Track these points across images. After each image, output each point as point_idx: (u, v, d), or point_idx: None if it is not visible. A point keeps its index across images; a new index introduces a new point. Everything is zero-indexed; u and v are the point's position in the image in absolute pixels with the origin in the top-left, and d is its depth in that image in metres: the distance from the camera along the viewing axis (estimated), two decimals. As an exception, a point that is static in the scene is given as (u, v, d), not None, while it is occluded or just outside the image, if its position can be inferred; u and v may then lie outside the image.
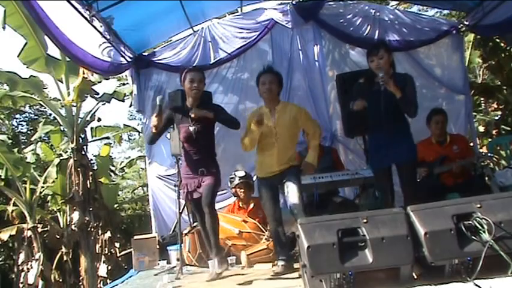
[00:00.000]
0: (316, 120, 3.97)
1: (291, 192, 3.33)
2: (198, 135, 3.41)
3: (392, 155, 3.33)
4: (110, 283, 5.39)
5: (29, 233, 8.49)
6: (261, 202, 3.53)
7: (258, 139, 3.41)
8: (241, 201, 4.54)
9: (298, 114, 3.46)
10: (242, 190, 4.50)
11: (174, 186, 4.14)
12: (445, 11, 7.78)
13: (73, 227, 7.50)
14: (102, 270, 7.62)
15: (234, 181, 4.52)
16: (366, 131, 3.90)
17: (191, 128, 3.40)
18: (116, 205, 12.03)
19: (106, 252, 7.82)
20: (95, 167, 8.89)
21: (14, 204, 9.01)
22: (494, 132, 8.82)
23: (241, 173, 4.59)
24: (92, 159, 8.67)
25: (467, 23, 5.70)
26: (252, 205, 4.48)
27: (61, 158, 8.84)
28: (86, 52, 4.39)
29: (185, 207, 4.20)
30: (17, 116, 14.00)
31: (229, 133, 5.64)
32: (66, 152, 9.14)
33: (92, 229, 7.56)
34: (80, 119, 7.85)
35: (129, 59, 5.29)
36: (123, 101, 7.91)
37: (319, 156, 4.68)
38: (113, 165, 13.17)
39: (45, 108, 12.34)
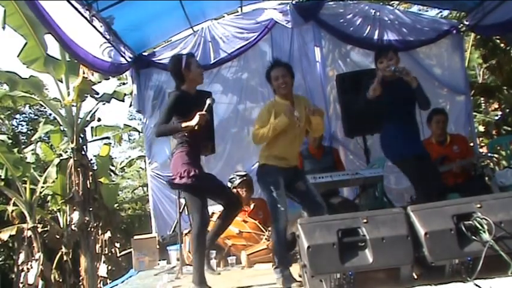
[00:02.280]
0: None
1: (317, 193, 3.23)
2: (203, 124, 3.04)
3: (414, 145, 3.34)
4: (110, 283, 5.40)
5: (29, 233, 8.49)
6: (276, 192, 3.11)
7: (281, 131, 3.15)
8: (241, 201, 4.52)
9: (305, 102, 3.30)
10: (243, 190, 4.49)
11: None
12: (445, 11, 7.77)
13: (73, 227, 7.50)
14: (102, 270, 7.62)
15: (235, 181, 4.50)
16: (377, 126, 3.68)
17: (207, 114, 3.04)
18: (116, 205, 12.05)
19: (106, 252, 7.82)
20: (95, 167, 8.89)
21: (14, 204, 9.01)
22: (494, 132, 8.82)
23: (242, 173, 4.59)
24: (92, 159, 8.67)
25: (467, 23, 5.70)
26: (252, 206, 4.47)
27: (61, 158, 8.84)
28: (87, 52, 4.40)
29: (185, 207, 4.19)
30: (17, 116, 14.01)
31: (229, 133, 5.68)
32: (66, 152, 9.15)
33: (92, 229, 7.56)
34: (80, 119, 7.85)
35: (129, 59, 5.30)
36: (123, 101, 7.90)
37: (319, 156, 4.72)
38: (113, 165, 13.17)
39: (45, 108, 12.35)
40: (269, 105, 3.32)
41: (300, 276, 2.75)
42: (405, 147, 3.31)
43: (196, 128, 2.93)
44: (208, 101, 3.05)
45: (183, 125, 2.96)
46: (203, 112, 2.95)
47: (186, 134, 3.06)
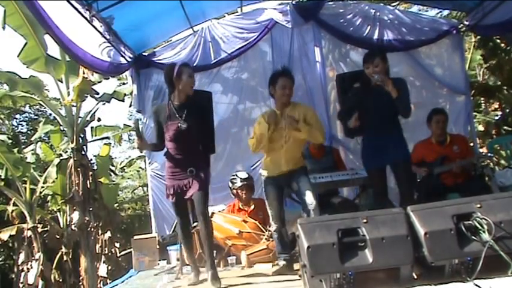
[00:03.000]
0: (321, 123, 3.94)
1: (307, 192, 3.31)
2: (189, 131, 3.23)
3: (388, 155, 3.42)
4: (110, 283, 5.39)
5: (29, 233, 8.48)
6: (267, 201, 3.49)
7: (269, 140, 3.38)
8: (241, 202, 4.52)
9: (305, 112, 3.46)
10: (244, 192, 4.48)
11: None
12: (445, 11, 7.77)
13: (73, 227, 7.49)
14: (102, 270, 7.62)
15: (236, 183, 4.49)
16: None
17: (182, 125, 3.22)
18: (116, 205, 12.04)
19: (106, 252, 7.82)
20: (95, 167, 8.88)
21: (14, 204, 9.01)
22: (494, 132, 8.82)
23: (244, 175, 4.56)
24: (92, 159, 8.65)
25: (467, 23, 5.70)
26: (252, 206, 4.47)
27: (61, 158, 8.83)
28: (85, 52, 4.39)
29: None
30: (17, 116, 14.00)
31: (229, 133, 5.68)
32: (66, 152, 9.14)
33: (92, 229, 7.56)
34: (80, 119, 7.84)
35: (129, 59, 5.29)
36: (123, 101, 7.90)
37: (319, 156, 4.72)
38: (113, 165, 13.17)
39: (45, 108, 12.34)
40: (264, 115, 3.49)
41: (300, 276, 2.74)
42: (373, 162, 3.51)
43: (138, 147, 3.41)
44: (132, 123, 3.36)
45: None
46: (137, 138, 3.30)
47: (168, 148, 3.31)
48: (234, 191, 4.53)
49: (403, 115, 3.49)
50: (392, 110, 3.42)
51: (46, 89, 8.48)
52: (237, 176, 4.54)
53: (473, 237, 2.18)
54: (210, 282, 3.08)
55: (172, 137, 3.25)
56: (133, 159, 14.29)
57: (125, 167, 14.52)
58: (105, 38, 4.64)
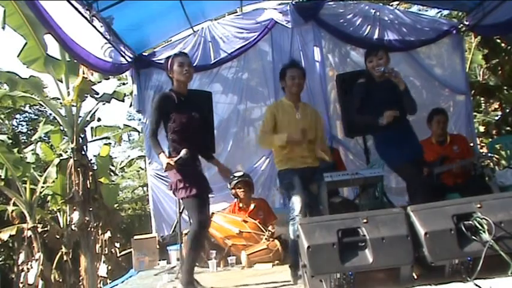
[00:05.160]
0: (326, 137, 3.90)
1: (324, 201, 3.29)
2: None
3: (411, 149, 3.36)
4: (110, 283, 5.40)
5: (29, 233, 8.50)
6: (291, 192, 3.17)
7: (283, 131, 3.25)
8: (241, 202, 4.53)
9: (318, 119, 3.41)
10: (242, 190, 4.49)
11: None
12: (445, 11, 7.77)
13: (73, 227, 7.51)
14: (102, 270, 7.63)
15: (233, 182, 4.51)
16: (369, 130, 3.80)
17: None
18: (116, 205, 12.05)
19: (106, 252, 7.83)
20: (95, 167, 8.88)
21: (14, 204, 9.02)
22: (494, 132, 8.81)
23: (239, 173, 4.60)
24: (92, 159, 8.66)
25: (467, 23, 5.70)
26: (252, 206, 4.47)
27: (61, 158, 8.84)
28: (89, 52, 4.40)
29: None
30: (17, 116, 14.00)
31: (229, 133, 5.68)
32: (66, 152, 9.15)
33: (92, 229, 7.56)
34: (79, 119, 7.85)
35: (129, 59, 5.29)
36: (123, 101, 7.91)
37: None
38: (113, 165, 13.17)
39: (45, 108, 12.34)
40: (272, 107, 3.41)
41: (300, 276, 2.75)
42: (398, 154, 3.34)
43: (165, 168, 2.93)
44: (181, 154, 2.92)
45: (160, 157, 2.97)
46: (171, 162, 2.88)
47: (174, 140, 3.05)
48: (233, 190, 4.54)
49: (409, 110, 3.37)
50: (401, 105, 3.30)
51: (46, 89, 8.49)
52: (233, 175, 4.55)
53: (473, 237, 2.17)
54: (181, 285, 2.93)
55: (181, 127, 3.03)
56: (133, 159, 14.30)
57: (124, 167, 14.53)
58: (105, 38, 4.64)
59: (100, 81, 7.64)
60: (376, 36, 5.61)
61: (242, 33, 5.65)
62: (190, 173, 2.99)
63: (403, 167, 3.39)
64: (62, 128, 9.09)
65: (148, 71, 5.65)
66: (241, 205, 4.52)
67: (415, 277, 2.30)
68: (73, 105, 7.80)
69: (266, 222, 4.33)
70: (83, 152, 7.69)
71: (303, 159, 3.24)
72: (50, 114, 12.57)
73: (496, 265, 2.12)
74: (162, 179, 5.52)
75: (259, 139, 3.45)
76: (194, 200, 2.94)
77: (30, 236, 8.49)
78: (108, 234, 7.93)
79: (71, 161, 7.56)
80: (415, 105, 3.38)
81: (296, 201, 3.08)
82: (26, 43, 6.64)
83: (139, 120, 9.58)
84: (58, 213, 9.77)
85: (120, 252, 9.00)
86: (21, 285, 8.23)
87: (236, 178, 4.49)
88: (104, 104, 7.83)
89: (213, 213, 4.05)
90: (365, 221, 2.26)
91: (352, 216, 2.34)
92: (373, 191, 4.45)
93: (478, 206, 2.25)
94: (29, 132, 13.98)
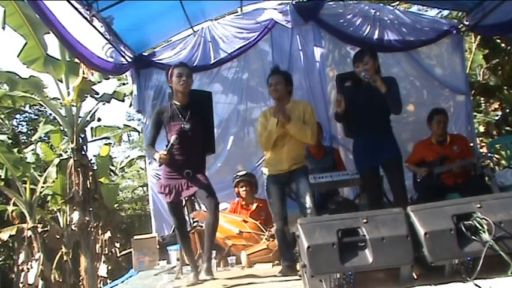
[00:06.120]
0: (318, 124, 3.95)
1: (305, 195, 3.33)
2: (191, 133, 3.27)
3: (379, 155, 3.45)
4: (110, 283, 5.40)
5: (29, 233, 8.50)
6: (269, 200, 3.49)
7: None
8: (244, 201, 4.54)
9: (305, 108, 3.48)
10: (244, 189, 4.50)
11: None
12: (445, 11, 7.77)
13: (73, 227, 7.50)
14: (102, 270, 7.63)
15: (235, 180, 4.54)
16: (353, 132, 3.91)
17: (185, 126, 3.26)
18: (116, 205, 12.05)
19: (106, 252, 7.83)
20: (95, 167, 8.89)
21: (14, 204, 9.02)
22: (494, 132, 8.81)
23: (242, 172, 4.64)
24: (92, 159, 8.67)
25: (467, 23, 5.69)
26: (254, 206, 4.48)
27: (61, 158, 8.85)
28: (92, 52, 4.41)
29: (185, 207, 4.18)
30: (17, 116, 14.01)
31: (229, 133, 5.68)
32: (66, 152, 9.15)
33: (92, 229, 7.57)
34: (80, 119, 7.85)
35: (129, 59, 5.29)
36: (123, 101, 7.91)
37: (319, 156, 4.71)
38: (113, 165, 13.18)
39: (45, 108, 12.36)
40: (261, 116, 3.60)
41: (300, 276, 2.74)
42: (366, 161, 3.53)
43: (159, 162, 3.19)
44: (172, 141, 3.18)
45: (154, 156, 3.23)
46: (165, 153, 3.13)
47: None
48: (236, 189, 4.56)
49: (393, 111, 3.49)
50: (382, 109, 3.44)
51: (46, 89, 8.47)
52: (236, 174, 4.59)
53: (473, 237, 2.17)
54: (204, 273, 3.12)
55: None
56: (133, 159, 14.31)
57: (124, 167, 14.54)
58: (105, 38, 4.64)
59: (100, 81, 7.64)
60: (376, 36, 5.60)
61: (242, 33, 5.64)
62: (173, 180, 3.31)
63: (365, 174, 3.61)
64: (62, 128, 9.10)
65: (148, 71, 5.64)
66: (243, 203, 4.54)
67: (415, 277, 2.29)
68: (73, 105, 7.81)
69: (267, 223, 4.32)
70: (83, 152, 7.69)
71: (280, 164, 3.42)
72: (50, 114, 12.59)
73: (496, 265, 2.11)
74: (162, 179, 5.52)
75: (261, 145, 3.56)
76: (169, 206, 3.43)
77: (30, 236, 8.49)
78: (108, 234, 7.93)
79: (71, 161, 7.57)
80: (400, 106, 3.49)
81: (272, 212, 3.47)
82: (26, 43, 6.64)
83: (139, 120, 9.59)
84: (58, 213, 9.78)
85: (120, 252, 9.00)
86: (21, 285, 8.23)
87: (239, 177, 4.50)
88: (103, 104, 7.84)
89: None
90: (365, 221, 2.26)
91: (352, 216, 2.34)
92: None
93: (478, 206, 2.25)
94: (29, 132, 13.98)
